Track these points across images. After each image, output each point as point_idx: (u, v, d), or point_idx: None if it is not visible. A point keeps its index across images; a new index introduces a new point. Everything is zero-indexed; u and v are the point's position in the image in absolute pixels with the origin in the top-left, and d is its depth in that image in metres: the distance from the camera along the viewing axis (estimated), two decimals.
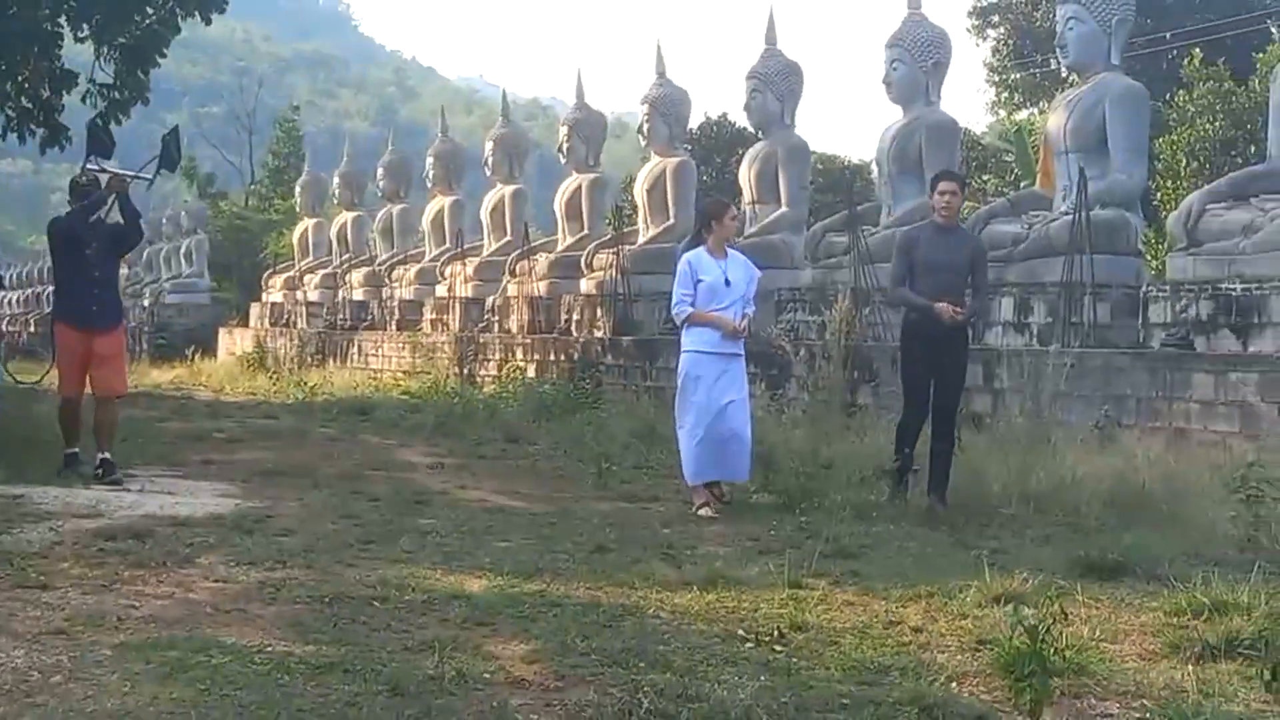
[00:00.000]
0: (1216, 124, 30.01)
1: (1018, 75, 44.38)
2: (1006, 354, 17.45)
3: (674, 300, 12.69)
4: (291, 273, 43.03)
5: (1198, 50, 33.45)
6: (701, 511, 12.20)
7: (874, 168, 24.81)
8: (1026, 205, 20.71)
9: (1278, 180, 17.25)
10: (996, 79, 45.88)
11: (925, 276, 12.27)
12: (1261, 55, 30.89)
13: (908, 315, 12.60)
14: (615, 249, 27.20)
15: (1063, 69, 22.04)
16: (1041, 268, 18.57)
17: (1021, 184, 33.58)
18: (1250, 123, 28.42)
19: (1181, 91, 31.96)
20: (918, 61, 22.26)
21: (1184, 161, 29.94)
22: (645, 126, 28.37)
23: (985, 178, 41.62)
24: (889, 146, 22.52)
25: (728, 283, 12.57)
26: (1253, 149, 26.02)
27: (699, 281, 12.56)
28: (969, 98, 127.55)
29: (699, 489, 12.57)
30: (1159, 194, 29.48)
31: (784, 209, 24.90)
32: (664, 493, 13.72)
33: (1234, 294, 16.14)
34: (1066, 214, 18.51)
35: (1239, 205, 17.29)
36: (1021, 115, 45.12)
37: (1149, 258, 26.21)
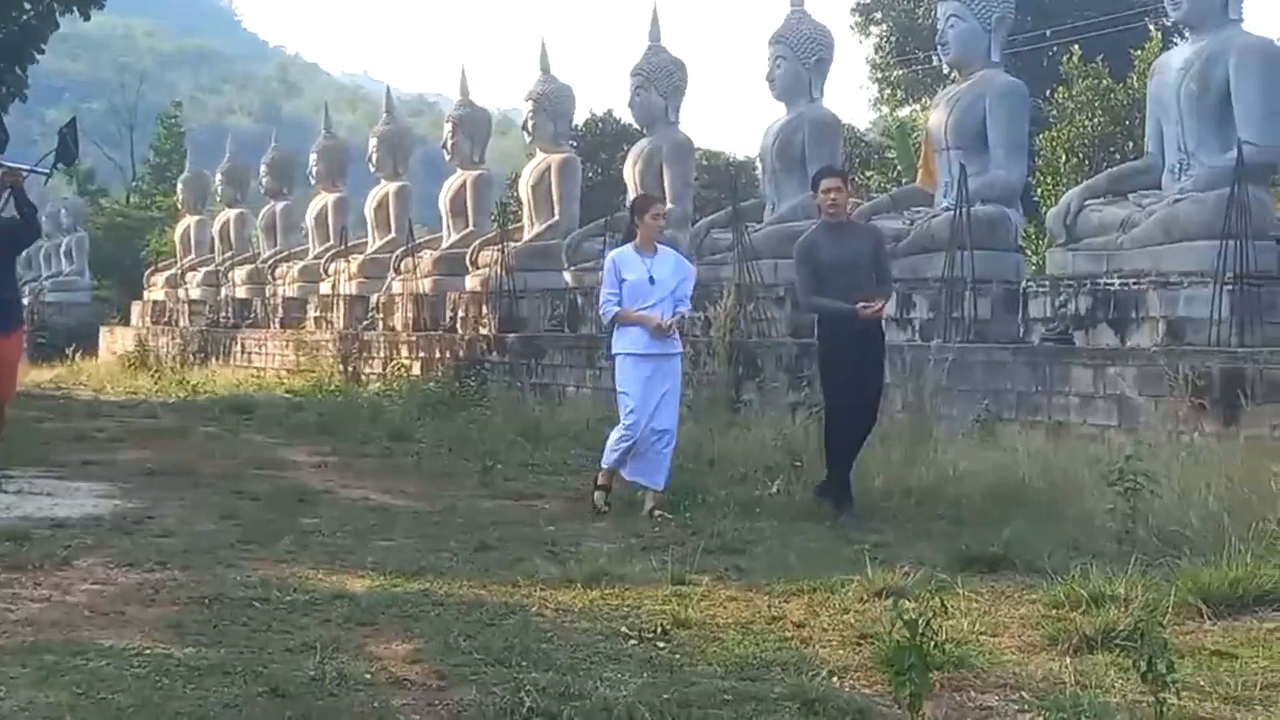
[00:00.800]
0: (1095, 120, 30.40)
1: (900, 72, 44.74)
2: (889, 349, 17.57)
3: (600, 300, 12.61)
4: (173, 270, 42.61)
5: (1077, 48, 33.86)
6: (596, 495, 12.36)
7: (758, 164, 24.84)
8: (908, 201, 20.90)
9: (1154, 176, 17.50)
10: (879, 76, 46.22)
11: (832, 278, 11.88)
12: (1139, 52, 31.30)
13: (825, 321, 12.28)
14: (500, 246, 27.14)
15: (944, 66, 22.25)
16: (923, 263, 18.74)
17: (904, 180, 33.82)
18: (1128, 119, 28.80)
19: (1061, 88, 32.34)
20: (800, 58, 22.37)
21: (1063, 158, 30.30)
22: (530, 123, 28.33)
23: (869, 174, 41.91)
24: (772, 143, 22.62)
25: (652, 280, 12.25)
26: (1131, 145, 26.39)
27: (623, 280, 12.31)
28: (852, 94, 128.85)
29: (606, 473, 12.48)
30: (1039, 190, 29.84)
31: (669, 205, 24.92)
32: (549, 490, 13.72)
33: (1112, 289, 16.35)
34: (948, 210, 18.68)
35: (1117, 201, 17.51)
36: (904, 112, 45.48)
37: (1029, 253, 26.55)
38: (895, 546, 10.25)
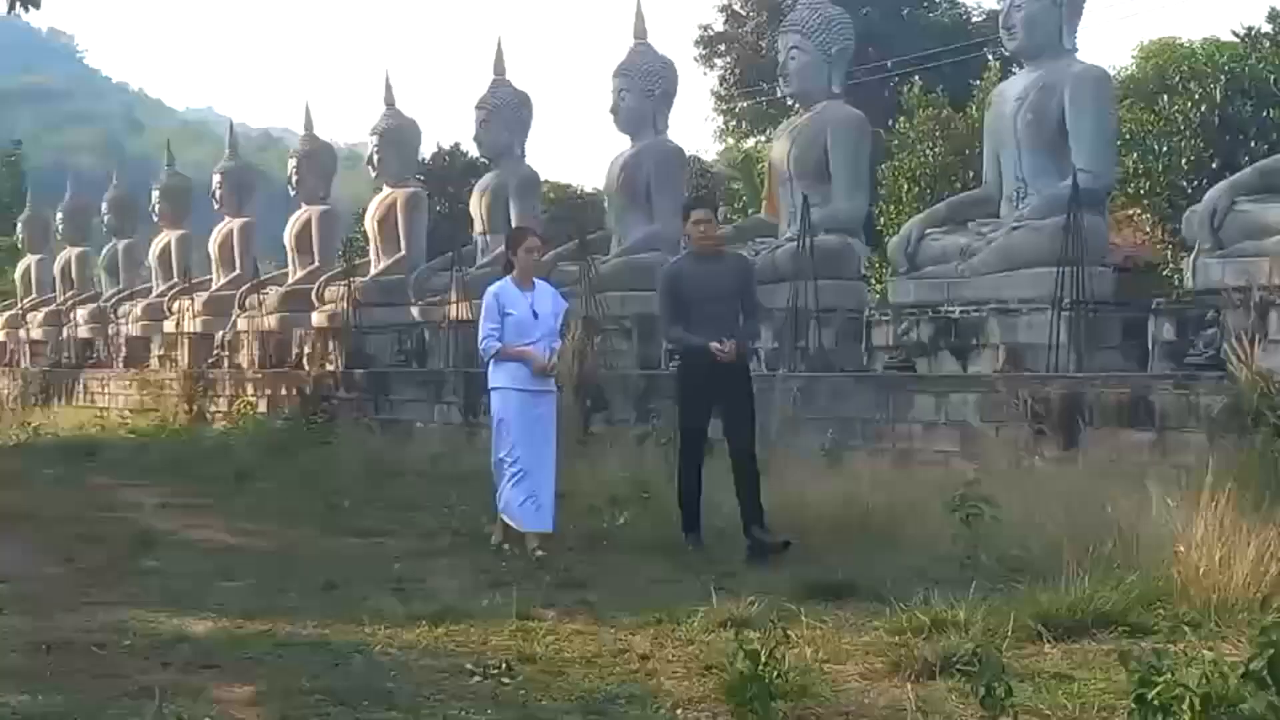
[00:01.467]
0: (936, 150, 30.79)
1: (745, 104, 45.09)
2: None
3: (481, 335, 12.18)
4: (14, 310, 41.77)
5: (918, 78, 34.36)
6: (495, 539, 12.15)
7: (605, 197, 24.90)
8: (754, 232, 21.02)
9: (993, 205, 17.76)
10: (724, 108, 46.55)
11: (694, 310, 11.70)
12: (979, 82, 31.81)
13: (684, 355, 12.19)
14: (347, 281, 26.95)
15: (787, 98, 22.44)
16: (768, 293, 18.74)
17: (750, 211, 34.07)
18: (968, 148, 29.13)
19: (903, 118, 32.75)
20: (644, 91, 22.44)
21: (906, 187, 30.66)
22: (375, 158, 28.17)
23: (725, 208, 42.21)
24: (617, 176, 22.66)
25: (535, 315, 12.03)
26: (971, 174, 26.73)
27: (506, 315, 12.01)
28: (698, 126, 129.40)
29: (503, 525, 12.11)
30: (882, 219, 30.14)
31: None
32: (396, 527, 13.61)
33: (953, 317, 16.57)
34: (791, 241, 18.81)
35: (957, 230, 17.72)
36: (750, 143, 45.84)
37: (873, 282, 26.80)
38: (742, 576, 10.27)
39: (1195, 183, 23.11)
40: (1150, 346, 15.06)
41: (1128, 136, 25.92)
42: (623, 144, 23.06)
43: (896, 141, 32.41)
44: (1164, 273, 25.57)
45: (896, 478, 13.81)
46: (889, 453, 15.74)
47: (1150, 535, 9.15)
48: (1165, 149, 24.92)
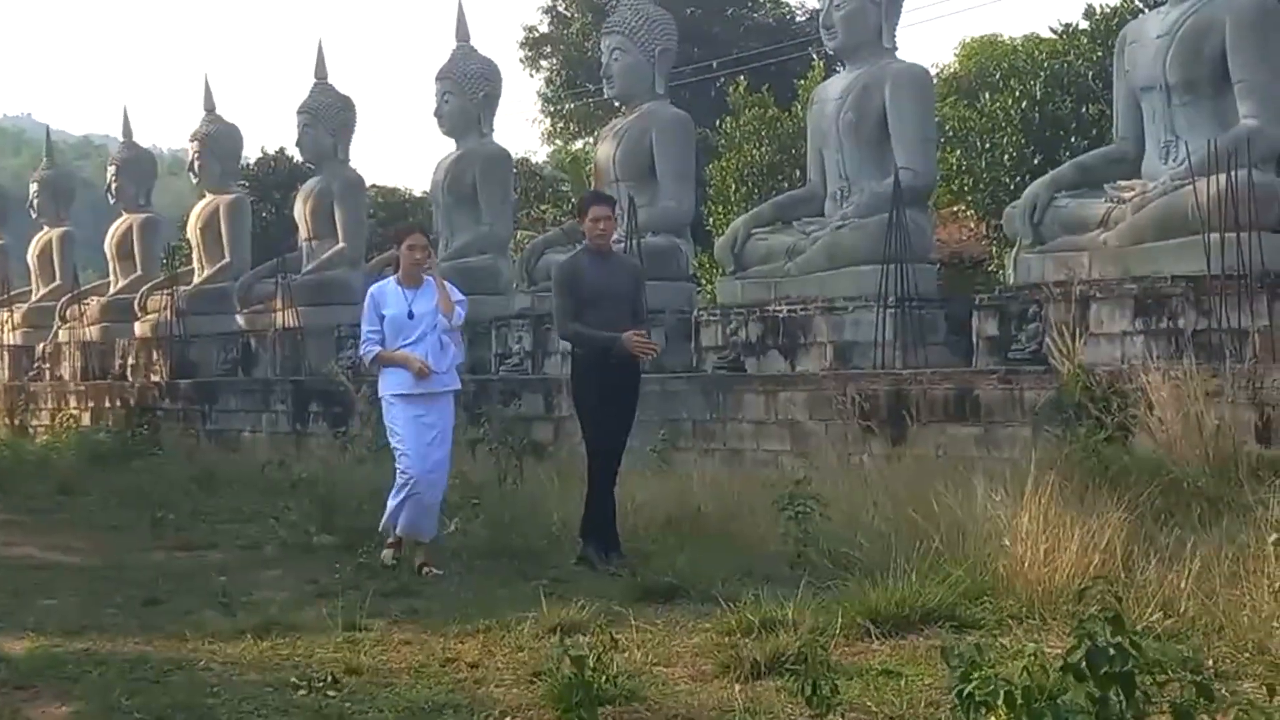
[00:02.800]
0: (763, 149, 30.85)
1: (571, 105, 45.01)
2: (565, 382, 17.64)
3: (360, 339, 11.67)
4: None
5: (743, 78, 34.47)
6: (384, 553, 11.55)
7: (432, 200, 24.79)
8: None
9: (818, 203, 17.92)
10: (551, 109, 46.41)
11: (592, 308, 11.26)
12: (803, 82, 31.92)
13: (583, 355, 11.46)
14: (170, 290, 26.53)
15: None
16: None
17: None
18: (794, 147, 29.28)
19: (729, 118, 32.81)
20: (468, 94, 22.39)
21: (733, 187, 30.69)
22: (196, 164, 27.81)
23: (543, 207, 42.03)
24: (443, 179, 22.57)
25: (411, 315, 11.33)
26: (798, 173, 26.85)
27: (383, 315, 11.38)
28: (526, 128, 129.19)
29: (391, 538, 11.61)
30: (710, 219, 30.18)
31: (341, 244, 24.68)
32: (222, 539, 13.39)
33: (780, 316, 16.68)
34: (619, 242, 18.77)
35: (783, 229, 17.87)
36: (577, 145, 45.75)
37: (703, 283, 26.89)
38: (573, 582, 10.22)
39: (1017, 179, 23.37)
40: (975, 342, 15.29)
41: (950, 133, 26.20)
42: (448, 146, 22.95)
43: (723, 141, 32.46)
44: (989, 269, 25.90)
45: (728, 477, 13.87)
46: (720, 453, 15.82)
47: (977, 529, 9.22)
48: (988, 145, 25.17)
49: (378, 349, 11.39)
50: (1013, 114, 24.85)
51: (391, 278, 11.72)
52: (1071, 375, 12.71)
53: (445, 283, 11.70)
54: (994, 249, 25.91)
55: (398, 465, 11.41)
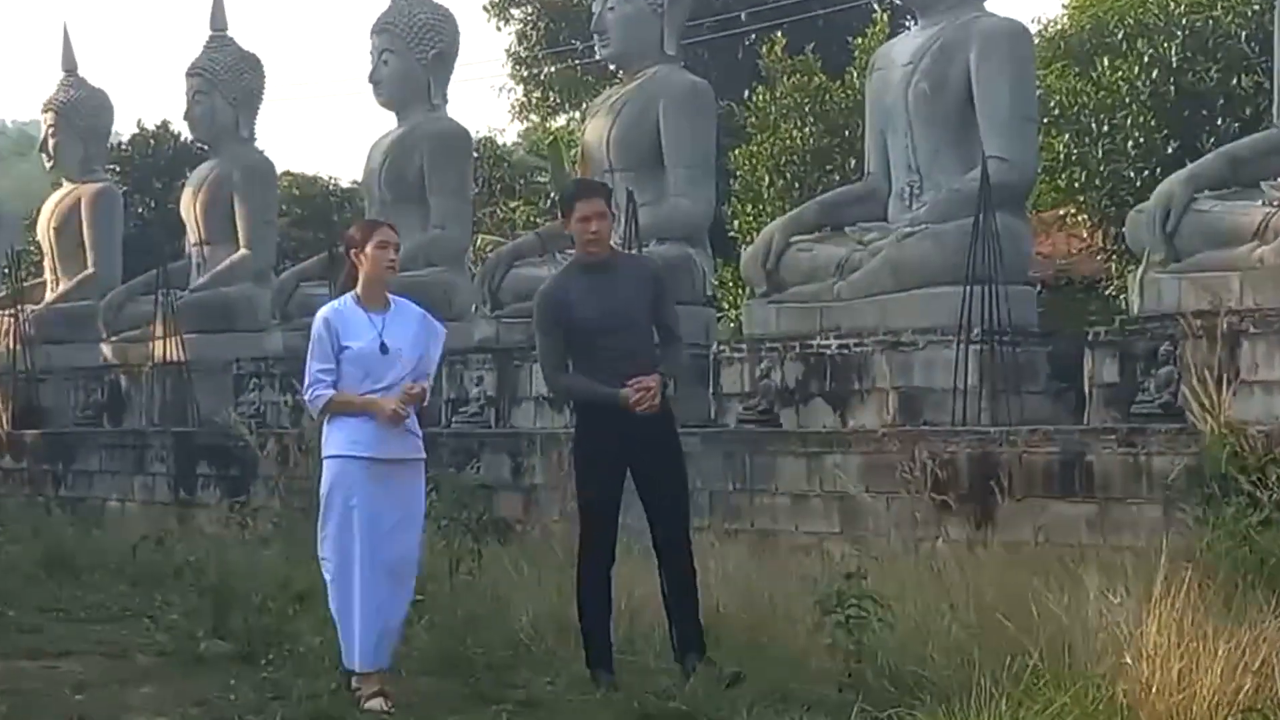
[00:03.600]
0: (806, 130, 30.82)
1: (552, 69, 44.98)
2: (540, 439, 17.69)
3: (305, 380, 10.74)
4: None
5: (781, 35, 34.50)
6: (371, 704, 10.38)
7: (364, 194, 24.83)
8: (562, 241, 20.99)
9: (879, 203, 17.93)
10: (525, 74, 46.40)
11: (592, 344, 10.78)
12: (860, 41, 31.96)
13: (584, 413, 11.16)
14: (13, 310, 26.53)
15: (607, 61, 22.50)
16: None
17: (559, 213, 33.98)
18: (849, 128, 29.30)
19: (762, 89, 32.86)
20: (414, 52, 22.45)
21: (766, 180, 30.65)
22: (50, 142, 27.84)
23: (513, 204, 42.01)
24: (380, 165, 22.61)
25: (385, 349, 10.58)
26: (852, 162, 26.86)
27: (343, 349, 10.56)
28: (491, 98, 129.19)
29: (367, 675, 10.56)
30: (736, 222, 30.18)
31: (243, 251, 24.71)
32: (80, 644, 13.36)
33: (828, 352, 16.66)
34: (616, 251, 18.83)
35: (833, 237, 17.85)
36: (559, 121, 45.73)
37: (725, 306, 26.91)
38: (548, 705, 10.22)
39: (1145, 173, 23.38)
40: (1087, 390, 15.27)
41: (1056, 112, 26.20)
42: (388, 123, 23.01)
43: (754, 119, 32.48)
44: (1105, 292, 25.90)
45: (756, 569, 13.82)
46: (746, 535, 15.80)
47: (1088, 642, 9.23)
48: (1106, 128, 25.16)
49: (330, 392, 10.54)
50: (1140, 87, 24.89)
51: (348, 296, 10.79)
52: (1217, 436, 12.71)
53: (417, 307, 11.19)
54: (1113, 266, 25.91)
55: (338, 560, 10.55)
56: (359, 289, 10.76)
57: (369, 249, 10.75)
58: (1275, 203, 14.87)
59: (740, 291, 24.81)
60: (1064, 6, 35.59)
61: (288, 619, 12.99)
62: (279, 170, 29.63)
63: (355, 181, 43.41)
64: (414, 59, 22.47)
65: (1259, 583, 10.46)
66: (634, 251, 18.18)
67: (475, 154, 30.08)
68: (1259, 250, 14.68)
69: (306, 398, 10.90)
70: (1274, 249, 14.55)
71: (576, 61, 42.58)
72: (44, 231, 28.32)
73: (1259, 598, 9.79)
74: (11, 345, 26.20)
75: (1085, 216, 27.70)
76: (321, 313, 10.84)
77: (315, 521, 10.89)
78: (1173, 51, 24.82)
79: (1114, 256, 25.87)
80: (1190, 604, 8.81)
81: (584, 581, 11.14)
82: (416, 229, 22.02)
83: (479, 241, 32.75)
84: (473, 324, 20.72)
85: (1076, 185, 26.28)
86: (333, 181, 48.34)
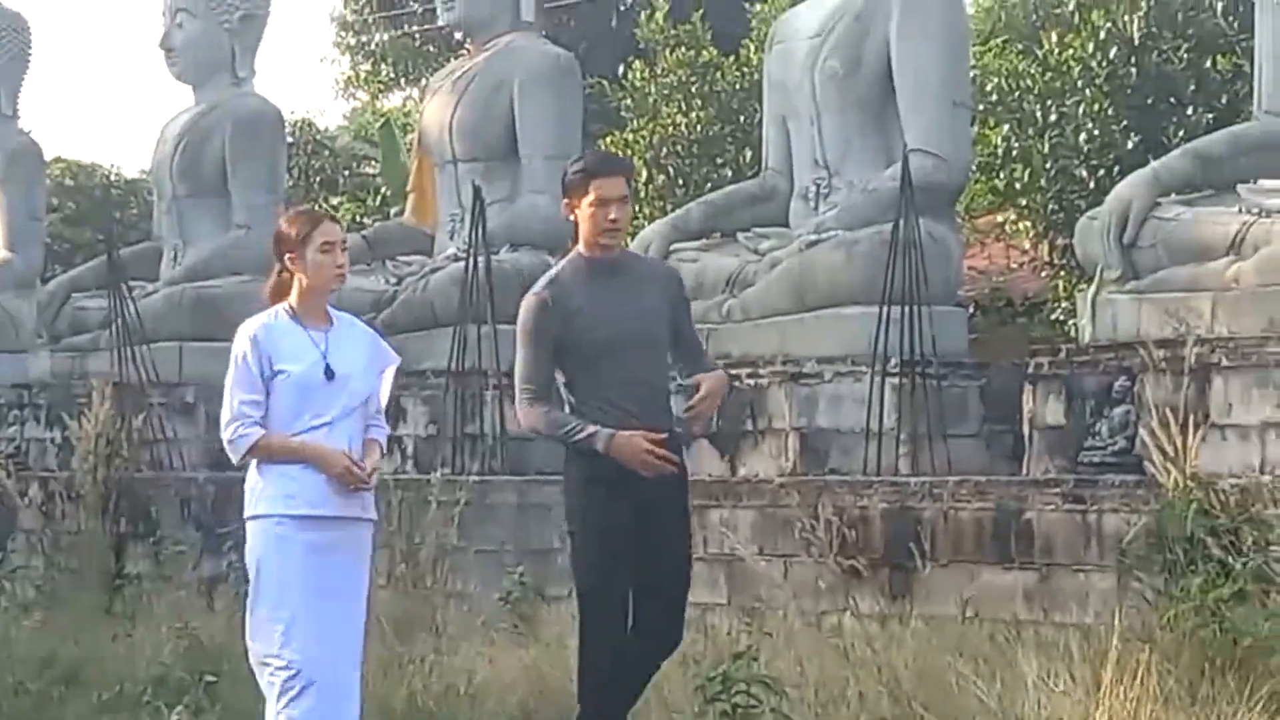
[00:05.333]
0: (692, 115, 30.90)
1: (385, 37, 44.95)
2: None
3: (226, 418, 9.97)
4: None
5: (663, 1, 34.58)
6: None
7: (153, 185, 24.70)
8: (393, 245, 20.99)
9: (779, 205, 17.96)
10: (353, 42, 46.34)
11: (598, 366, 9.96)
12: (758, 9, 32.11)
13: (578, 462, 10.05)
14: None
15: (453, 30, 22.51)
16: (419, 346, 18.72)
17: (391, 211, 33.93)
18: (743, 113, 29.42)
19: (639, 64, 32.93)
20: (216, 13, 22.42)
21: (644, 174, 30.70)
22: None
23: (337, 200, 41.88)
24: (173, 150, 22.55)
25: (330, 374, 9.94)
26: (749, 153, 26.96)
27: (276, 374, 9.90)
28: (311, 72, 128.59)
29: None
30: None
31: (3, 254, 24.54)
32: None
33: None
34: (457, 260, 18.80)
35: (722, 245, 17.89)
36: (393, 101, 45.73)
37: None
38: None
39: (1100, 172, 23.54)
40: (1027, 434, 15.34)
41: (994, 98, 26.31)
42: (184, 99, 22.92)
43: (630, 101, 32.56)
44: (1050, 315, 26.04)
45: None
46: None
47: None
48: (1054, 118, 25.31)
49: (258, 433, 9.88)
50: (1095, 68, 25.04)
51: (279, 308, 10.12)
52: (1181, 491, 12.76)
53: (363, 324, 10.67)
54: (1061, 284, 26.05)
55: (276, 653, 9.77)
56: (294, 300, 10.08)
57: (310, 253, 9.99)
58: (1255, 210, 14.96)
59: None
60: None
61: (50, 702, 12.92)
62: (48, 156, 29.40)
63: (143, 171, 43.18)
64: (216, 21, 22.42)
65: (1230, 668, 10.51)
66: (475, 260, 18.17)
67: (290, 139, 30.01)
68: (1234, 267, 14.76)
69: (226, 438, 10.00)
70: (1253, 266, 14.63)
71: (415, 29, 42.56)
72: None
73: (1230, 685, 9.86)
74: None
75: (1028, 224, 27.80)
76: (245, 329, 10.09)
77: (243, 605, 10.46)
78: (1134, 26, 24.96)
79: (1061, 272, 25.99)
80: (1148, 693, 8.89)
81: (598, 682, 9.99)
82: (215, 229, 21.95)
83: None
84: None
85: (1018, 186, 26.36)
86: (114, 170, 48.02)
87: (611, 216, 9.95)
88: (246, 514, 10.01)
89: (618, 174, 10.22)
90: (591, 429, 9.61)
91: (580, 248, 10.18)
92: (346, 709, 9.90)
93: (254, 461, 9.94)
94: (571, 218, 10.24)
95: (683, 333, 10.32)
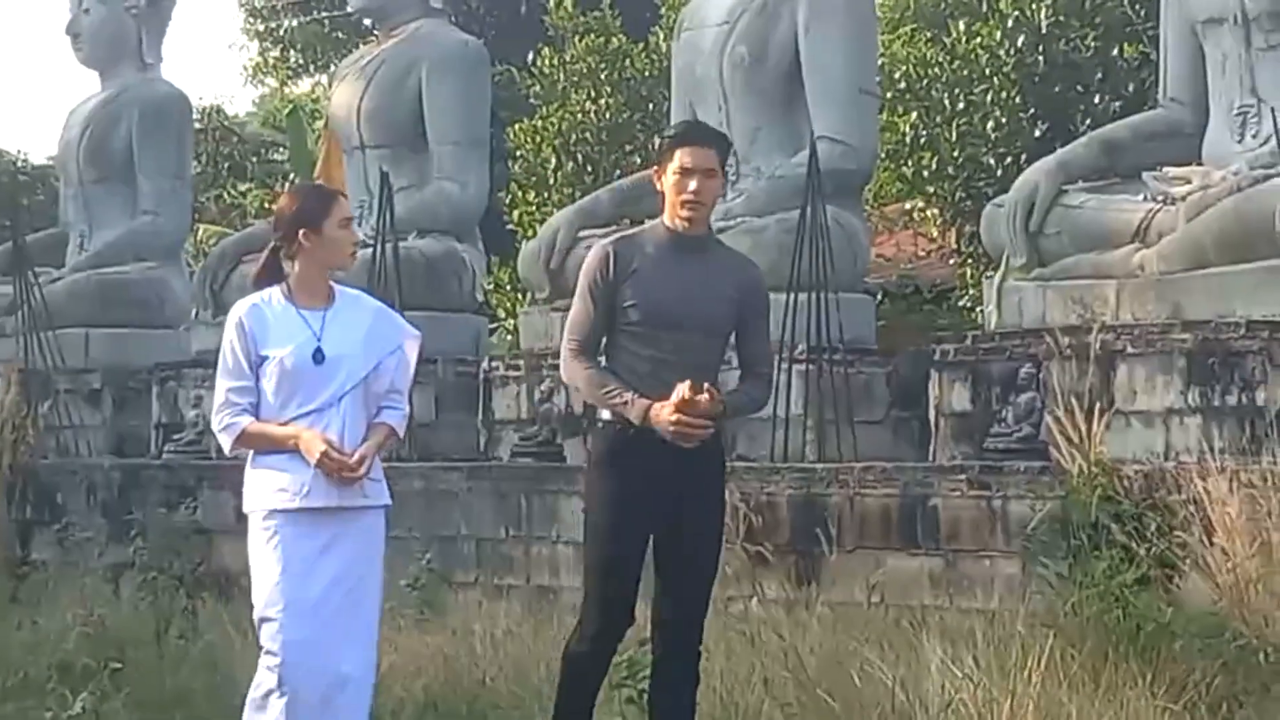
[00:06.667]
0: (601, 102, 30.84)
1: (294, 23, 44.81)
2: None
3: (217, 404, 9.62)
4: None
5: None
6: None
7: (59, 171, 24.60)
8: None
9: None
10: (262, 28, 46.21)
11: (648, 339, 9.58)
12: None
13: (604, 430, 9.75)
14: None
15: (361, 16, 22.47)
16: None
17: None
18: (652, 100, 29.38)
19: (548, 51, 32.89)
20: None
21: (553, 161, 30.67)
22: None
23: (245, 188, 41.81)
24: (79, 137, 22.47)
25: (320, 356, 9.47)
26: (657, 140, 26.83)
27: (263, 359, 9.47)
28: (220, 58, 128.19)
29: None
30: (515, 213, 30.10)
31: None
32: None
33: None
34: (366, 245, 18.73)
35: (633, 229, 17.87)
36: (302, 86, 45.62)
37: (500, 313, 26.87)
38: None
39: (1007, 160, 23.59)
40: (934, 421, 15.37)
41: (902, 86, 26.35)
42: (91, 85, 22.85)
43: (539, 88, 32.52)
44: (958, 303, 26.10)
45: (531, 633, 13.83)
46: (519, 591, 15.80)
47: None
48: (962, 106, 25.34)
49: (247, 420, 9.48)
50: (1002, 56, 25.09)
51: (276, 289, 9.61)
52: (1086, 477, 12.82)
53: (377, 302, 10.15)
54: (969, 272, 26.09)
55: (266, 648, 9.39)
56: (294, 280, 9.61)
57: (329, 228, 9.57)
58: (1160, 197, 15.01)
59: (519, 296, 24.80)
60: None
61: None
62: None
63: (50, 157, 43.00)
64: (122, 6, 22.34)
65: (1133, 653, 10.54)
66: (383, 247, 18.13)
67: (198, 125, 29.93)
68: (1139, 254, 14.83)
69: (215, 428, 9.62)
70: (1158, 253, 14.70)
71: (324, 14, 42.47)
72: None
73: (1133, 671, 9.90)
74: None
75: (935, 211, 27.88)
76: (234, 312, 9.63)
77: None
78: (1042, 14, 25.01)
79: (969, 260, 26.03)
80: (1051, 678, 8.90)
81: (576, 660, 9.78)
82: (122, 215, 21.87)
83: (200, 233, 32.58)
84: (190, 332, 20.56)
85: (925, 174, 26.40)
86: (21, 157, 47.84)
87: (693, 188, 9.48)
88: (247, 508, 9.53)
89: (707, 145, 9.71)
90: (628, 395, 9.28)
91: (664, 218, 9.73)
92: (347, 701, 9.41)
93: (250, 453, 9.51)
94: (659, 186, 9.75)
95: (748, 338, 9.82)
